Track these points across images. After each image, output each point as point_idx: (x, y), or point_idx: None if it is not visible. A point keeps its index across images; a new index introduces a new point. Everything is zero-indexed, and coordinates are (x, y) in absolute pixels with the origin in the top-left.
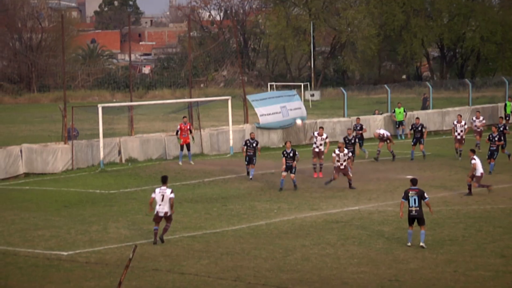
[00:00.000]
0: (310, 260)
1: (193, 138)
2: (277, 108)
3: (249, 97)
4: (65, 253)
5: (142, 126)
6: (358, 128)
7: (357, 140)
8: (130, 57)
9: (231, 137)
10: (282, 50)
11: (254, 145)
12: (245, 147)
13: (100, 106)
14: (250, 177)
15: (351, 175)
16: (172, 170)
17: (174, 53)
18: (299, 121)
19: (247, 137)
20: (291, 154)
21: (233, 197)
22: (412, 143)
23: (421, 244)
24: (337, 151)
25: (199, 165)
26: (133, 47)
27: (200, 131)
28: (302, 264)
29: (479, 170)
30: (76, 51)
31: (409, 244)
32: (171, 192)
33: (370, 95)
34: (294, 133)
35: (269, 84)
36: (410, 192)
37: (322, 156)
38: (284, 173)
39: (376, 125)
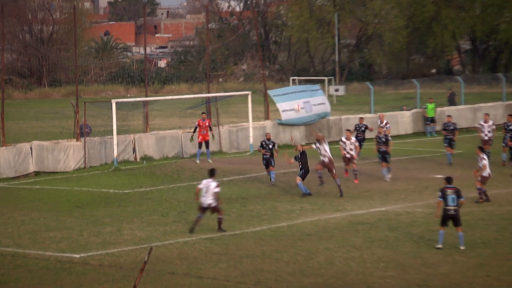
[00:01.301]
0: (334, 263)
1: (213, 136)
2: (300, 103)
3: (270, 92)
4: (77, 256)
5: (158, 122)
6: (363, 128)
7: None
8: (145, 50)
9: (251, 134)
10: (305, 42)
11: (271, 146)
12: (261, 148)
13: (114, 102)
14: (272, 180)
15: (356, 165)
16: (189, 168)
17: (192, 46)
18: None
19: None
20: (270, 146)
21: (253, 197)
22: (445, 144)
23: (461, 247)
24: (343, 139)
25: (217, 164)
26: (148, 40)
27: (219, 128)
28: (325, 268)
29: (487, 170)
30: (88, 44)
31: (440, 246)
32: (216, 186)
33: (398, 90)
34: (317, 129)
35: (291, 78)
36: (448, 190)
37: (355, 161)
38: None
39: (404, 121)
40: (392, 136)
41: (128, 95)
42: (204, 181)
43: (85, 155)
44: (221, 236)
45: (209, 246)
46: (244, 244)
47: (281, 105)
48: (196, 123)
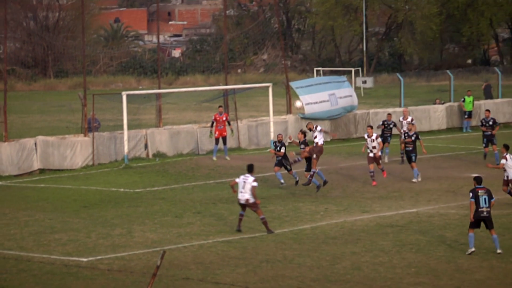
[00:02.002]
0: (361, 269)
1: (232, 131)
2: (325, 95)
3: (293, 84)
4: (85, 260)
5: (172, 116)
6: (392, 125)
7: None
8: (158, 38)
9: (271, 129)
10: (330, 30)
11: (279, 148)
12: (274, 150)
13: (124, 94)
14: (282, 181)
15: (382, 165)
16: (205, 166)
17: (208, 34)
18: (298, 104)
19: (290, 129)
20: (278, 148)
21: (274, 197)
22: (484, 144)
23: (498, 251)
24: (365, 136)
25: (235, 161)
26: (161, 28)
27: (237, 122)
28: (352, 273)
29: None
30: (97, 31)
31: (472, 250)
32: (253, 181)
33: (430, 82)
34: (343, 124)
35: (315, 69)
36: (480, 191)
37: (380, 161)
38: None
39: (437, 116)
40: (424, 132)
41: (140, 87)
42: (242, 176)
43: (93, 152)
44: (240, 239)
45: (227, 249)
46: (264, 247)
47: (305, 98)
48: (213, 118)
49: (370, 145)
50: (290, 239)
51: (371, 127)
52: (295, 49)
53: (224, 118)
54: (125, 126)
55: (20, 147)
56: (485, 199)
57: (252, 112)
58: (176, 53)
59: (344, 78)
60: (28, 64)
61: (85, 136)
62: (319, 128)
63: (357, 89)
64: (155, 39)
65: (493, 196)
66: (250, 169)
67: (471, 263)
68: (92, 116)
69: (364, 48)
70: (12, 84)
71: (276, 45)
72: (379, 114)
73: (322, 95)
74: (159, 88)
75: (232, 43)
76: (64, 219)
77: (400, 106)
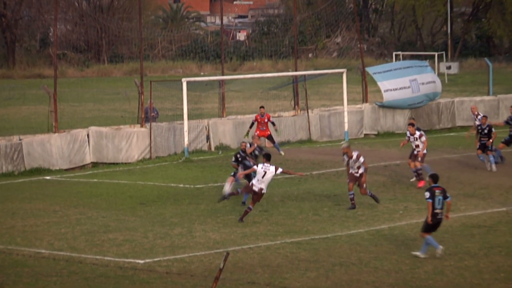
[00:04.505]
0: (445, 273)
1: (276, 130)
2: (406, 81)
3: (369, 69)
4: (141, 261)
5: (236, 105)
6: (486, 130)
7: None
8: (221, 20)
9: (346, 120)
10: (411, 10)
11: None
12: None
13: (184, 81)
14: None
15: (420, 164)
16: (272, 160)
17: (276, 15)
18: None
19: (366, 120)
20: (244, 159)
21: (348, 194)
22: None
23: (439, 250)
24: (408, 134)
25: (306, 154)
26: (225, 8)
27: (308, 112)
28: (434, 278)
29: None
30: (155, 12)
31: (441, 248)
32: (275, 169)
33: None
34: (425, 114)
35: (394, 53)
36: (436, 191)
37: (419, 159)
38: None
39: None
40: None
41: (202, 73)
42: (261, 165)
43: (150, 144)
44: (310, 240)
45: (296, 251)
46: (337, 249)
47: (383, 84)
48: (253, 118)
49: (414, 143)
50: (366, 241)
51: (413, 125)
52: (372, 32)
53: (266, 120)
54: (185, 116)
55: (72, 139)
56: (439, 199)
57: (324, 100)
58: (241, 36)
59: (426, 63)
60: (80, 48)
61: (141, 126)
62: (362, 159)
63: (440, 75)
64: (218, 21)
65: (448, 195)
66: (268, 158)
67: None
68: (149, 105)
69: (449, 30)
70: (63, 70)
71: (351, 27)
72: (465, 103)
73: (403, 81)
74: (223, 75)
75: (302, 24)
76: (119, 217)
77: (488, 94)
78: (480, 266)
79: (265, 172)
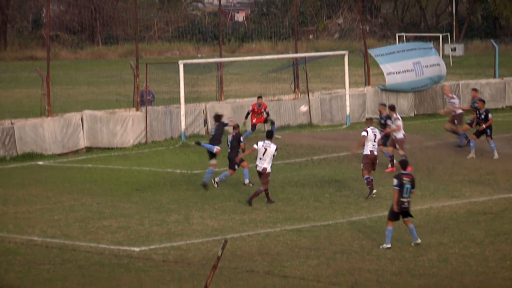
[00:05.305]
0: (449, 261)
1: (270, 121)
2: (409, 64)
3: (372, 52)
4: (137, 249)
5: (235, 88)
6: (483, 115)
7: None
8: (219, 0)
9: (347, 103)
10: None
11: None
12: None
13: (181, 63)
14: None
15: (391, 150)
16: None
17: None
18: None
19: (369, 103)
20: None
21: (350, 180)
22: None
23: (418, 241)
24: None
25: (306, 139)
26: None
27: (308, 95)
28: (438, 266)
29: None
30: None
31: (389, 246)
32: (276, 150)
33: None
34: (429, 98)
35: (397, 35)
36: (404, 178)
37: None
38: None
39: None
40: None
41: (199, 55)
42: (261, 142)
43: (146, 128)
44: (311, 227)
45: (296, 239)
46: (339, 237)
47: (386, 67)
48: (250, 108)
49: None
50: (368, 228)
51: (384, 105)
52: (374, 12)
53: (262, 110)
54: (182, 100)
55: (65, 123)
56: (407, 188)
57: (325, 83)
58: (240, 17)
59: (430, 44)
60: (74, 30)
61: (137, 110)
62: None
63: (445, 57)
64: (216, 1)
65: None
66: (270, 135)
67: None
68: (145, 88)
69: (454, 11)
70: (56, 52)
71: (353, 8)
72: (470, 85)
73: (406, 64)
74: (221, 57)
75: (303, 5)
76: (114, 203)
77: (494, 77)
78: (486, 254)
79: (266, 150)
